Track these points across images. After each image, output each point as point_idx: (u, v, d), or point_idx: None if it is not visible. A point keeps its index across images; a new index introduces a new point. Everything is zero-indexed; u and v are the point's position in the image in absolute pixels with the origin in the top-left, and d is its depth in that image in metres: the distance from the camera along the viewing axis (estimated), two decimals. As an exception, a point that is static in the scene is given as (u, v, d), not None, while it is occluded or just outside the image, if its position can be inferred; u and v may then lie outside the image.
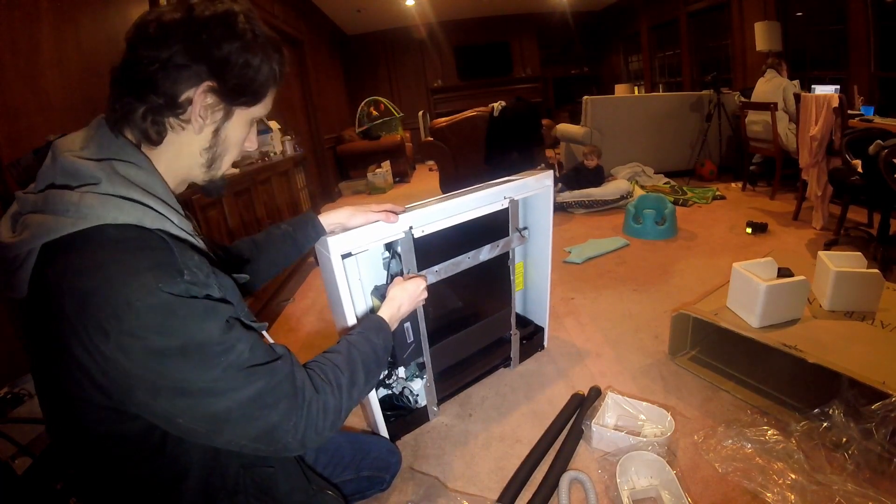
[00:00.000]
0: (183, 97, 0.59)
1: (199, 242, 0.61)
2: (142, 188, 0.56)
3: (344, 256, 1.03)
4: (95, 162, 0.55)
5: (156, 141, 0.61)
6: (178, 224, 0.58)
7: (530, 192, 1.41)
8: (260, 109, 0.68)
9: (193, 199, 1.66)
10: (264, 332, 0.66)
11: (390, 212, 1.08)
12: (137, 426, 0.56)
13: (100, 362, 0.49)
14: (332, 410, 0.64)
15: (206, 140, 0.64)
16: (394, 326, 0.91)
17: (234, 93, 0.62)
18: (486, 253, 1.33)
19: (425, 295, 1.03)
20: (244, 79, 0.62)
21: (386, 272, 1.26)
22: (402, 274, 1.18)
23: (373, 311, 1.27)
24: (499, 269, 1.45)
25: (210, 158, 0.66)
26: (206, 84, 0.60)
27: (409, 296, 0.98)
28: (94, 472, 0.61)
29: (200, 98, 0.60)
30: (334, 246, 1.01)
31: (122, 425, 0.56)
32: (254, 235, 1.00)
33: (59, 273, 0.51)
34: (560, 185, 3.57)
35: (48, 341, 0.53)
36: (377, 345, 0.81)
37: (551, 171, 1.48)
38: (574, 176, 3.63)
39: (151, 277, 0.50)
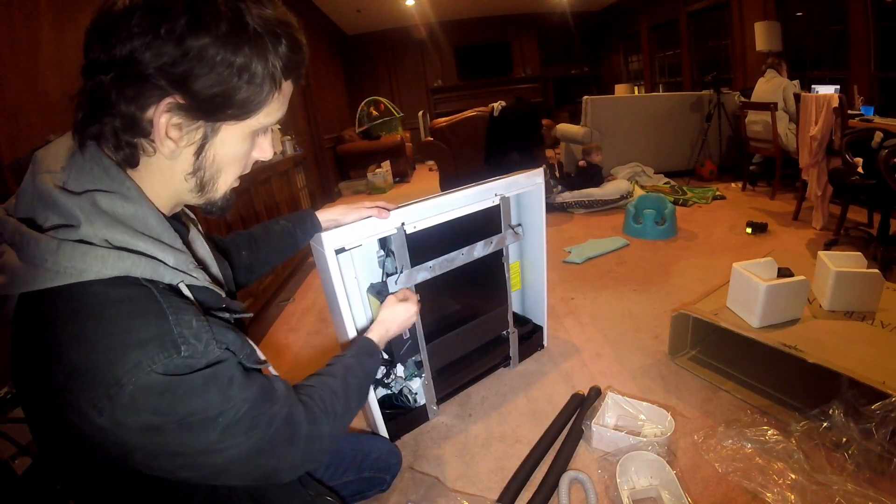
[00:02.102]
0: (146, 116, 0.48)
1: (198, 276, 0.53)
2: (129, 226, 0.48)
3: (338, 251, 1.06)
4: (75, 196, 0.47)
5: (132, 164, 0.51)
6: (173, 265, 0.50)
7: (520, 189, 1.42)
8: (263, 118, 0.54)
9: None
10: (269, 367, 0.62)
11: (382, 208, 1.11)
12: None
13: (94, 431, 0.45)
14: (328, 437, 0.64)
15: (186, 164, 0.53)
16: (381, 347, 0.93)
17: (211, 107, 0.49)
18: (479, 249, 1.34)
19: (414, 319, 1.06)
20: (223, 87, 0.48)
21: (381, 270, 1.27)
22: (396, 271, 1.19)
23: (372, 321, 1.28)
24: (494, 267, 1.45)
25: (198, 183, 0.55)
26: (167, 101, 0.47)
27: (398, 320, 1.00)
28: (95, 496, 0.58)
29: (163, 118, 0.48)
30: (328, 241, 1.04)
31: (119, 464, 0.52)
32: (251, 229, 1.00)
33: (42, 337, 0.46)
34: (560, 186, 3.56)
35: (39, 394, 0.49)
36: (369, 369, 0.84)
37: (542, 169, 1.49)
38: (576, 176, 3.62)
39: (143, 356, 0.44)
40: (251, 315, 0.64)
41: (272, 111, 0.54)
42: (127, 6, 0.45)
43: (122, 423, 0.45)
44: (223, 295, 0.58)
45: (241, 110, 0.51)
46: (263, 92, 0.51)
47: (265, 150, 0.60)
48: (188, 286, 0.52)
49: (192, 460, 0.50)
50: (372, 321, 1.04)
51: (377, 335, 0.93)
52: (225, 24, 0.46)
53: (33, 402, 0.52)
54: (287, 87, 0.55)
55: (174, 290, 0.51)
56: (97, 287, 0.45)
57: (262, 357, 0.60)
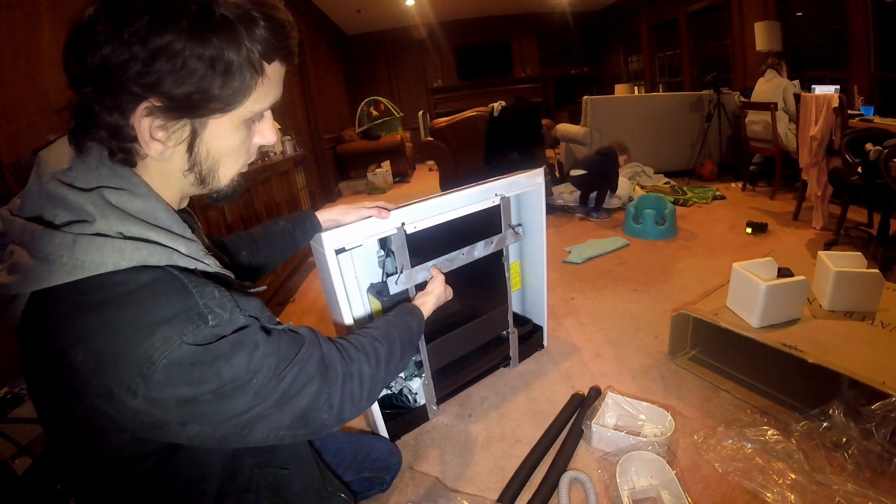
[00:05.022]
0: (129, 123, 0.48)
1: (210, 262, 0.54)
2: (140, 219, 0.49)
3: (338, 252, 1.06)
4: (85, 192, 0.48)
5: (132, 165, 0.52)
6: (186, 253, 0.51)
7: (521, 189, 1.42)
8: (251, 106, 0.53)
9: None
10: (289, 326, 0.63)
11: (382, 208, 1.11)
12: (159, 443, 0.53)
13: (126, 414, 0.46)
14: (368, 379, 0.64)
15: (181, 162, 0.53)
16: (425, 316, 0.91)
17: (190, 104, 0.48)
18: (480, 249, 1.34)
19: (448, 297, 1.05)
20: (198, 83, 0.47)
21: (381, 270, 1.27)
22: (396, 271, 1.19)
23: (371, 316, 1.28)
24: (494, 267, 1.45)
25: (198, 177, 0.55)
26: (144, 105, 0.47)
27: (438, 296, 0.99)
28: (107, 486, 0.57)
29: (144, 122, 0.48)
30: (328, 241, 1.04)
31: (144, 445, 0.53)
32: (251, 230, 1.01)
33: (65, 329, 0.45)
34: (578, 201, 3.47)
35: (58, 387, 0.49)
36: (412, 326, 0.83)
37: (542, 169, 1.49)
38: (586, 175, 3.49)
39: (172, 330, 0.45)
40: (265, 288, 0.64)
41: (260, 97, 0.53)
42: (91, 15, 0.45)
43: (157, 399, 0.45)
44: (233, 277, 0.59)
45: (223, 102, 0.50)
46: (244, 80, 0.50)
47: (266, 136, 0.59)
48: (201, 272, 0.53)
49: (226, 423, 0.51)
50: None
51: (418, 302, 0.94)
52: (188, 17, 0.45)
53: (50, 398, 0.52)
54: (273, 69, 0.53)
55: (192, 271, 0.52)
56: (117, 276, 0.46)
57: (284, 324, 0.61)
